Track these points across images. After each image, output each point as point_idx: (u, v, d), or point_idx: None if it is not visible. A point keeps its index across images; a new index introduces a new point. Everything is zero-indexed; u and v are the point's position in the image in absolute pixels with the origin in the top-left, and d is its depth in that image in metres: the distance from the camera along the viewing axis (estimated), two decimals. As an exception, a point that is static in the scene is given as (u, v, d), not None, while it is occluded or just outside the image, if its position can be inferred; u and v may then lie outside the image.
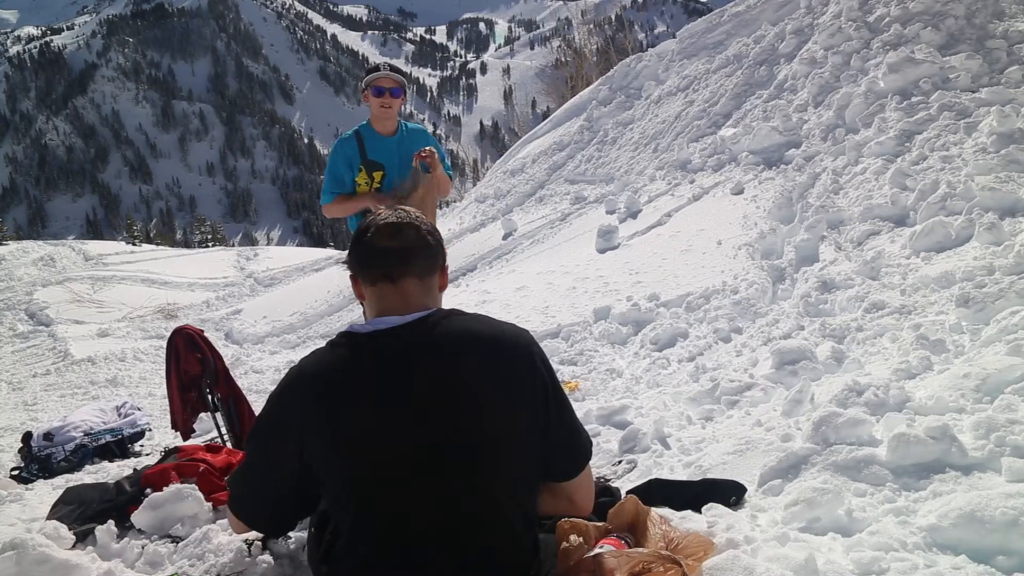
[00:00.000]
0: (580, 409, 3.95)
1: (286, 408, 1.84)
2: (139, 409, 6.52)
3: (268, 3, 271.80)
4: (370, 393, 1.74)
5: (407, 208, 1.96)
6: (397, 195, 3.97)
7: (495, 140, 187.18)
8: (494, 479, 1.77)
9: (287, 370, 1.89)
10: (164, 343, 5.35)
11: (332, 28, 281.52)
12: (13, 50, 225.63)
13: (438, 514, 1.72)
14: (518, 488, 1.84)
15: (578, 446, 1.98)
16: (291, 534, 2.46)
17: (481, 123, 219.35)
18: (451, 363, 1.78)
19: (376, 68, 4.17)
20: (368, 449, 1.72)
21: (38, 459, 5.60)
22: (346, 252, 2.07)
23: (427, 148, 4.01)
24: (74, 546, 2.82)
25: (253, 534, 2.41)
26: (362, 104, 4.37)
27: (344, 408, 1.74)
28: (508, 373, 1.81)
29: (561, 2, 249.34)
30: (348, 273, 1.98)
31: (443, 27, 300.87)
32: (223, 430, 4.89)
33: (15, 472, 5.60)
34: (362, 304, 2.02)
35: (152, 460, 4.62)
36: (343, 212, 4.19)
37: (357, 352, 1.81)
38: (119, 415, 6.31)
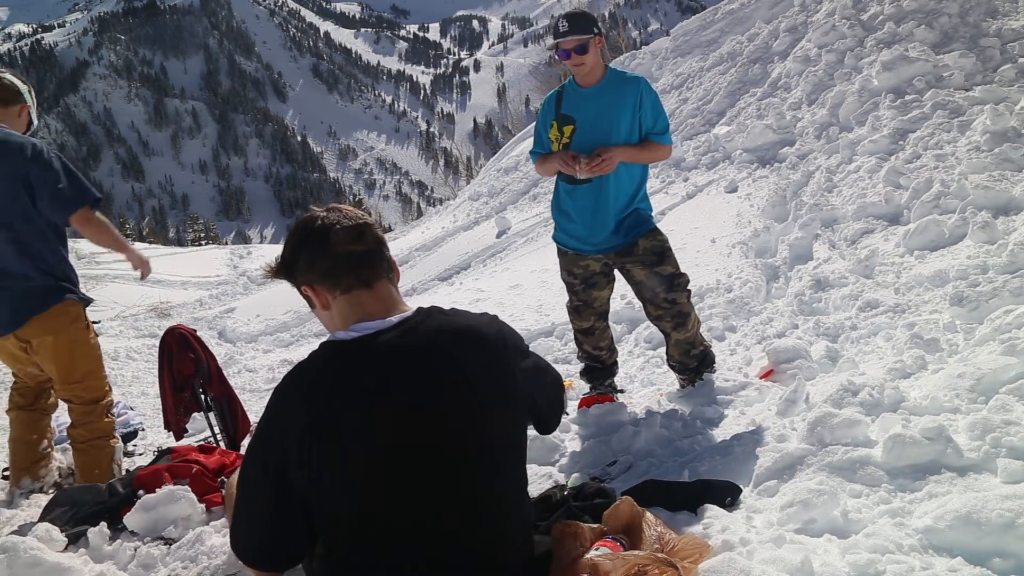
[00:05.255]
0: (574, 410, 3.95)
1: (279, 419, 1.76)
2: (132, 409, 6.48)
3: (260, 0, 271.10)
4: (363, 396, 1.71)
5: (343, 207, 1.90)
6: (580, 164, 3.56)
7: (488, 138, 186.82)
8: (481, 480, 1.76)
9: (282, 374, 1.84)
10: (157, 342, 5.32)
11: (325, 25, 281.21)
12: (3, 48, 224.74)
13: (435, 517, 1.71)
14: (513, 489, 1.85)
15: (557, 411, 2.15)
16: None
17: (475, 121, 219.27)
18: (439, 362, 1.76)
19: (556, 25, 3.69)
20: (364, 453, 1.69)
21: (30, 460, 5.56)
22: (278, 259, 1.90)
23: (590, 157, 3.53)
24: (66, 548, 2.80)
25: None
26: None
27: (338, 412, 1.70)
28: (493, 367, 1.82)
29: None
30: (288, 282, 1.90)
31: (436, 24, 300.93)
32: (216, 430, 4.87)
33: (6, 473, 5.56)
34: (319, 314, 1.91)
35: (145, 460, 4.60)
36: (546, 173, 3.96)
37: (346, 357, 1.76)
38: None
